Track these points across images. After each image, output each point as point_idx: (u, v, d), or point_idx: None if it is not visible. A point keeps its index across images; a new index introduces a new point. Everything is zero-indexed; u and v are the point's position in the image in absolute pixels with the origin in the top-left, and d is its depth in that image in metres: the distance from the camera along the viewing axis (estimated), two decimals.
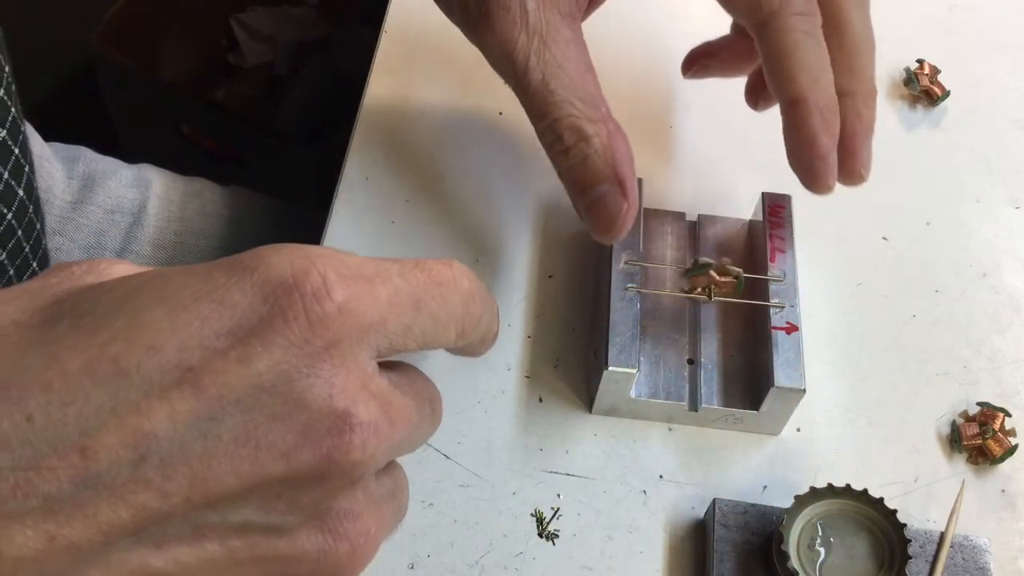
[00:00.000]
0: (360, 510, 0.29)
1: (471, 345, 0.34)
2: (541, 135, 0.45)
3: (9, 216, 0.51)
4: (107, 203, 0.67)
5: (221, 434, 0.26)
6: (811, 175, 0.46)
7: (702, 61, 0.54)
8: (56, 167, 0.66)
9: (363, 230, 0.54)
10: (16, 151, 0.51)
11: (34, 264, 0.54)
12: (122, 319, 0.26)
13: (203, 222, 0.69)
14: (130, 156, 0.73)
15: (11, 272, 0.52)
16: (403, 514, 0.33)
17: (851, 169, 0.47)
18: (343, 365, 0.27)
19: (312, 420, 0.27)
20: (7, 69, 0.50)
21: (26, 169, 0.52)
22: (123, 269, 0.29)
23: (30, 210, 0.53)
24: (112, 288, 0.27)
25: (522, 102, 0.45)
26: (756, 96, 0.53)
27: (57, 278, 0.29)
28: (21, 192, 0.51)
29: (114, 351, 0.26)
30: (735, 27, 0.54)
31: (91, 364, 0.25)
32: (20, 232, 0.52)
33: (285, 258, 0.28)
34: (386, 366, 0.31)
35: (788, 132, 0.46)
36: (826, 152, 0.45)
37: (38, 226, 0.54)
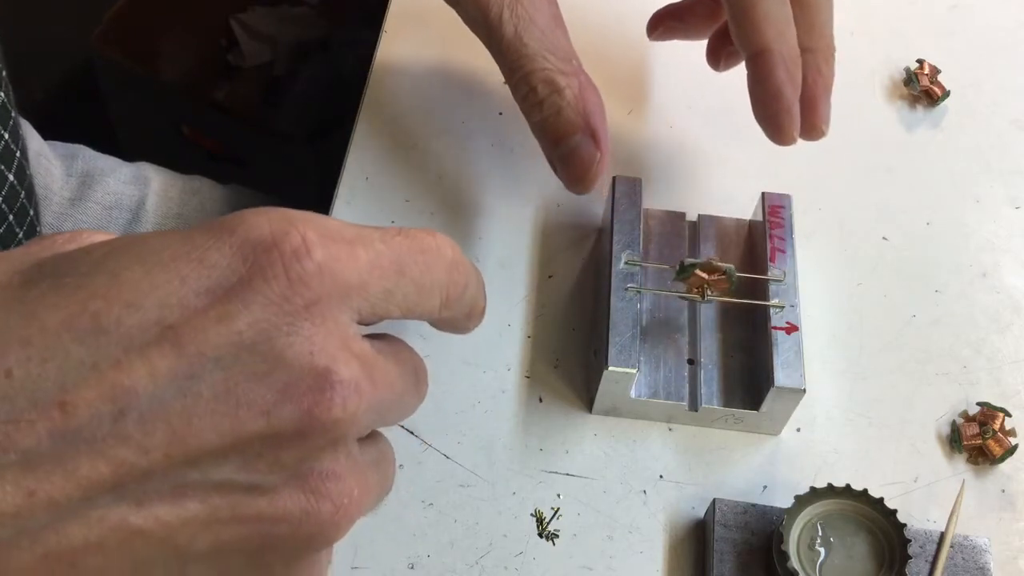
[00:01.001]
0: (343, 471, 0.29)
1: (457, 319, 0.34)
2: (514, 88, 0.46)
3: None
4: (106, 200, 0.67)
5: (201, 391, 0.26)
6: (775, 126, 0.47)
7: (667, 23, 0.55)
8: (54, 164, 0.66)
9: None
10: (6, 136, 0.51)
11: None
12: (102, 278, 0.26)
13: (202, 219, 0.69)
14: (130, 156, 0.73)
15: None
16: (389, 485, 0.33)
17: (812, 123, 0.48)
18: (323, 324, 0.27)
19: (292, 378, 0.27)
20: None
21: (17, 155, 0.52)
22: (104, 237, 0.30)
23: (22, 195, 0.53)
24: (92, 251, 0.28)
25: (495, 56, 0.46)
26: (718, 56, 0.54)
27: (39, 246, 0.29)
28: (12, 177, 0.51)
29: (94, 308, 0.26)
30: None
31: (70, 320, 0.25)
32: (12, 217, 0.52)
33: (264, 218, 0.28)
34: (370, 336, 0.30)
35: (753, 84, 0.47)
36: (790, 104, 0.46)
37: (31, 213, 0.54)
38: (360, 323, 0.29)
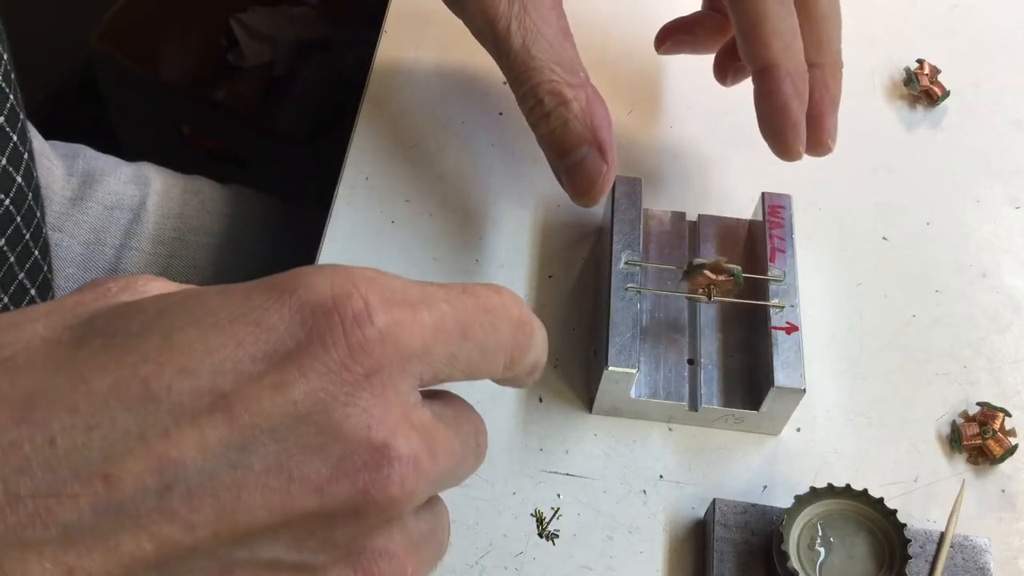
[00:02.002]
0: (397, 549, 0.27)
1: (518, 376, 0.32)
2: (521, 100, 0.46)
3: (7, 202, 0.51)
4: (107, 200, 0.67)
5: (252, 464, 0.25)
6: (782, 141, 0.47)
7: (675, 36, 0.55)
8: (55, 164, 0.66)
9: (363, 230, 0.54)
10: (14, 138, 0.51)
11: (35, 252, 0.54)
12: (155, 339, 0.25)
13: (203, 219, 0.69)
14: (130, 156, 0.73)
15: (12, 259, 0.52)
16: (443, 552, 0.31)
17: (818, 139, 0.48)
18: (383, 394, 0.26)
19: (349, 452, 0.25)
20: (6, 57, 0.50)
21: (25, 157, 0.52)
22: (160, 287, 0.28)
23: (29, 197, 0.53)
24: (146, 307, 0.26)
25: (502, 68, 0.46)
26: (725, 70, 0.54)
27: (92, 294, 0.28)
28: (20, 179, 0.51)
29: (144, 373, 0.24)
30: (707, 2, 0.54)
31: (120, 386, 0.24)
32: (19, 219, 0.52)
33: (326, 279, 0.26)
34: (430, 395, 0.29)
35: (760, 99, 0.47)
36: (796, 119, 0.46)
37: (38, 214, 0.54)
38: (420, 388, 0.28)
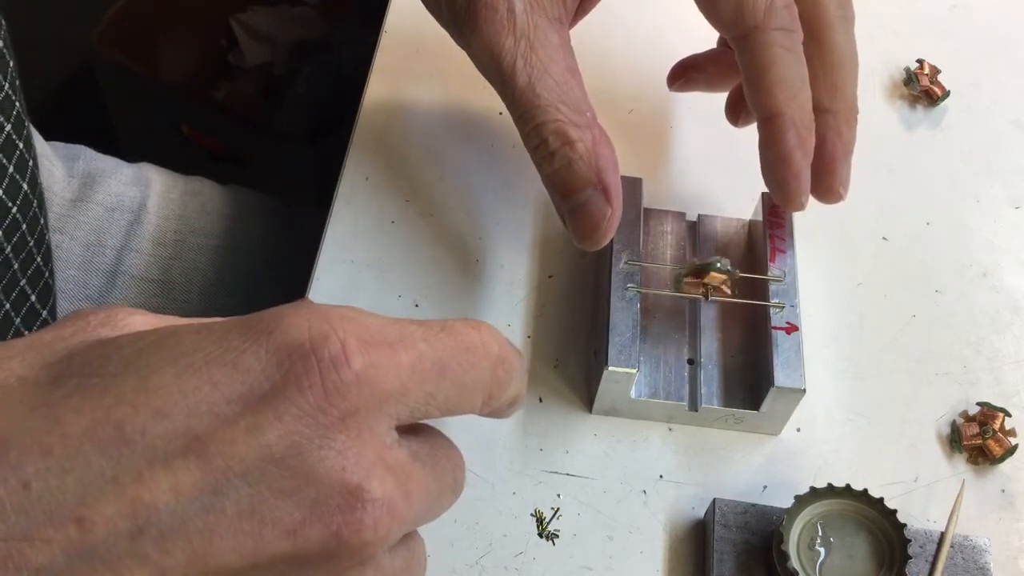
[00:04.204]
0: None
1: (497, 411, 0.33)
2: (526, 139, 0.45)
3: (14, 210, 0.51)
4: (107, 201, 0.67)
5: (225, 508, 0.25)
6: (783, 192, 0.46)
7: (688, 74, 0.55)
8: (56, 165, 0.66)
9: (363, 230, 0.54)
10: (20, 145, 0.51)
11: (38, 259, 0.54)
12: (130, 380, 0.25)
13: (203, 220, 0.69)
14: (130, 156, 0.73)
15: (15, 266, 0.52)
16: None
17: (828, 186, 0.47)
18: (359, 436, 0.26)
19: (322, 495, 0.26)
20: (12, 64, 0.50)
21: (30, 164, 0.52)
22: (140, 321, 0.28)
23: (34, 204, 0.53)
24: (124, 344, 0.26)
25: (507, 105, 0.45)
26: (737, 112, 0.53)
27: (72, 328, 0.28)
28: (25, 186, 0.51)
29: (119, 415, 0.25)
30: (722, 40, 0.54)
31: (94, 428, 0.24)
32: (24, 226, 0.52)
33: (304, 320, 0.26)
34: (408, 430, 0.29)
35: (763, 147, 0.46)
36: (799, 169, 0.45)
37: (41, 221, 0.54)
38: (398, 425, 0.28)
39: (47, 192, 0.64)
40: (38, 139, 0.65)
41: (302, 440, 0.25)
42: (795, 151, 0.45)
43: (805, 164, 0.46)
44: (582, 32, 0.56)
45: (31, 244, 0.53)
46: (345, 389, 0.26)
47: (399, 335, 0.28)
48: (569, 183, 0.44)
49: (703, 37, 0.55)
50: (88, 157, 0.69)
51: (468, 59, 0.47)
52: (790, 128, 0.44)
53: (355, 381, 0.26)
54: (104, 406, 0.25)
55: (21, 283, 0.53)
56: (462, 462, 0.32)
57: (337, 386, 0.26)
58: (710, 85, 0.54)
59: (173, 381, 0.25)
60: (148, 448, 0.24)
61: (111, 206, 0.67)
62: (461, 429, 0.48)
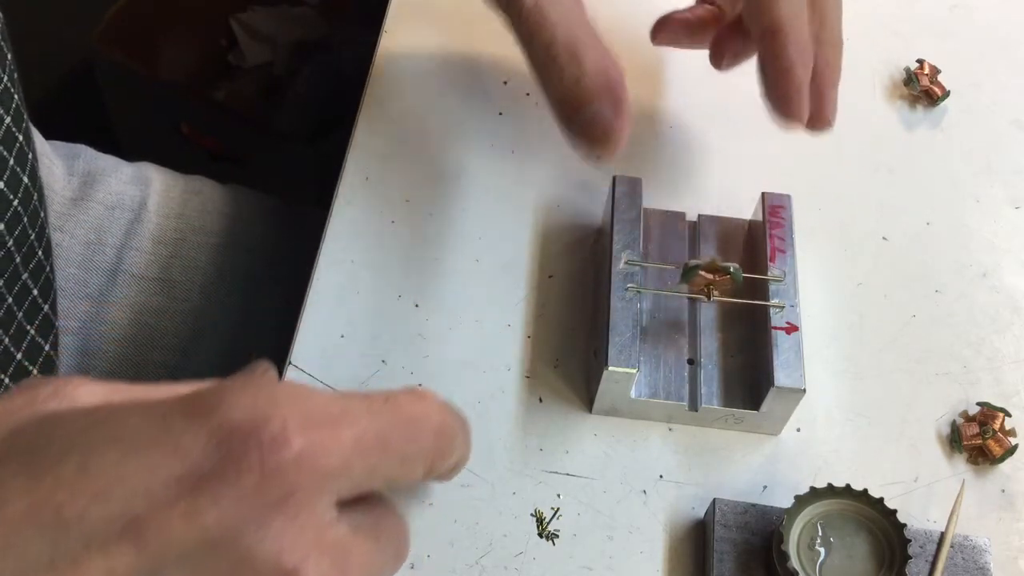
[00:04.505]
0: None
1: (440, 476, 0.33)
2: (533, 58, 0.45)
3: (15, 203, 0.51)
4: (107, 200, 0.67)
5: None
6: (786, 104, 0.47)
7: (670, 27, 0.55)
8: (56, 163, 0.66)
9: (363, 230, 0.54)
10: (20, 138, 0.51)
11: (39, 253, 0.54)
12: (72, 462, 0.25)
13: (204, 218, 0.69)
14: (130, 155, 0.73)
15: (17, 260, 0.52)
16: None
17: (820, 112, 0.48)
18: (296, 518, 0.26)
19: None
20: (10, 57, 0.50)
21: (30, 157, 0.52)
22: (88, 394, 0.28)
23: (34, 198, 0.53)
24: (68, 423, 0.26)
25: (515, 27, 0.45)
26: (721, 54, 0.53)
27: (22, 400, 0.28)
28: (26, 179, 0.51)
29: (59, 499, 0.24)
30: None
31: (34, 511, 0.24)
32: (26, 219, 0.52)
33: (246, 399, 0.26)
34: (352, 501, 0.29)
35: (764, 63, 0.47)
36: (800, 83, 0.46)
37: (42, 215, 0.54)
38: (341, 500, 0.28)
39: (47, 190, 0.64)
40: (38, 137, 0.65)
41: (239, 523, 0.25)
42: (797, 64, 0.46)
43: (805, 79, 0.47)
44: None
45: (32, 238, 0.53)
46: (284, 471, 0.26)
47: (343, 411, 0.28)
48: (578, 97, 0.44)
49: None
50: (88, 156, 0.69)
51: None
52: (792, 42, 0.45)
53: (295, 462, 0.26)
54: (46, 488, 0.25)
55: (23, 277, 0.53)
56: (406, 530, 0.32)
57: (277, 468, 0.26)
58: (692, 39, 0.55)
59: (114, 464, 0.25)
60: (86, 532, 0.24)
61: (111, 204, 0.67)
62: None
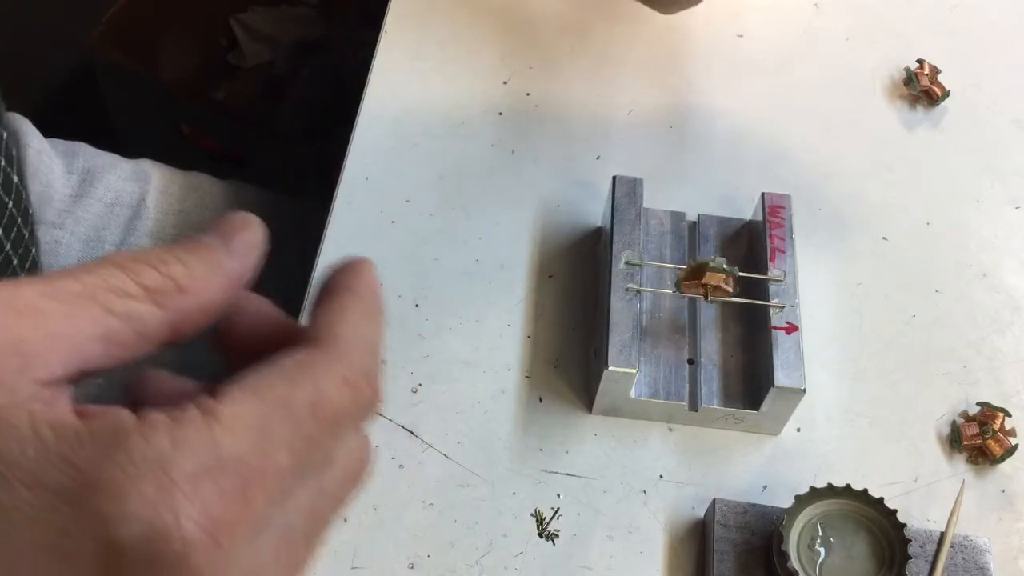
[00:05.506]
0: None
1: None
2: None
3: (10, 205, 0.51)
4: (106, 197, 0.67)
5: None
6: None
7: None
8: (55, 162, 0.66)
9: (363, 230, 0.54)
10: (4, 135, 0.51)
11: (33, 251, 0.54)
12: None
13: (202, 215, 0.69)
14: (129, 156, 0.73)
15: (15, 262, 0.52)
16: None
17: None
18: None
19: None
20: None
21: (14, 153, 0.52)
22: None
23: (24, 196, 0.53)
24: None
25: None
26: None
27: None
28: (16, 178, 0.51)
29: None
30: None
31: None
32: (20, 220, 0.52)
33: (141, 503, 0.22)
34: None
35: None
36: None
37: (32, 212, 0.54)
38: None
39: (47, 188, 0.64)
40: (36, 136, 0.65)
41: None
42: None
43: None
44: (584, 34, 0.56)
45: (27, 239, 0.53)
46: None
47: (258, 458, 0.24)
48: None
49: (703, 37, 0.55)
50: (87, 154, 0.69)
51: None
52: None
53: (208, 572, 0.23)
54: None
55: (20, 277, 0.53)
56: (354, 464, 0.28)
57: None
58: None
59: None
60: None
61: (110, 202, 0.67)
62: (462, 430, 0.48)
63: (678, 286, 0.49)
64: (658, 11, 0.48)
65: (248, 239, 0.28)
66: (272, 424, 0.25)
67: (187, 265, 0.27)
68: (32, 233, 0.54)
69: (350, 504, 0.28)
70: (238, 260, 0.28)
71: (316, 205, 0.58)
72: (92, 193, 0.67)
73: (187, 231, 0.68)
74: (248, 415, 0.24)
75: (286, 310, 0.50)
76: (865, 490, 0.43)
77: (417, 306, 0.52)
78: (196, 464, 0.23)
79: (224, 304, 0.28)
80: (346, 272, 0.29)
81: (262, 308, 0.29)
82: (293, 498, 0.27)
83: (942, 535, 0.45)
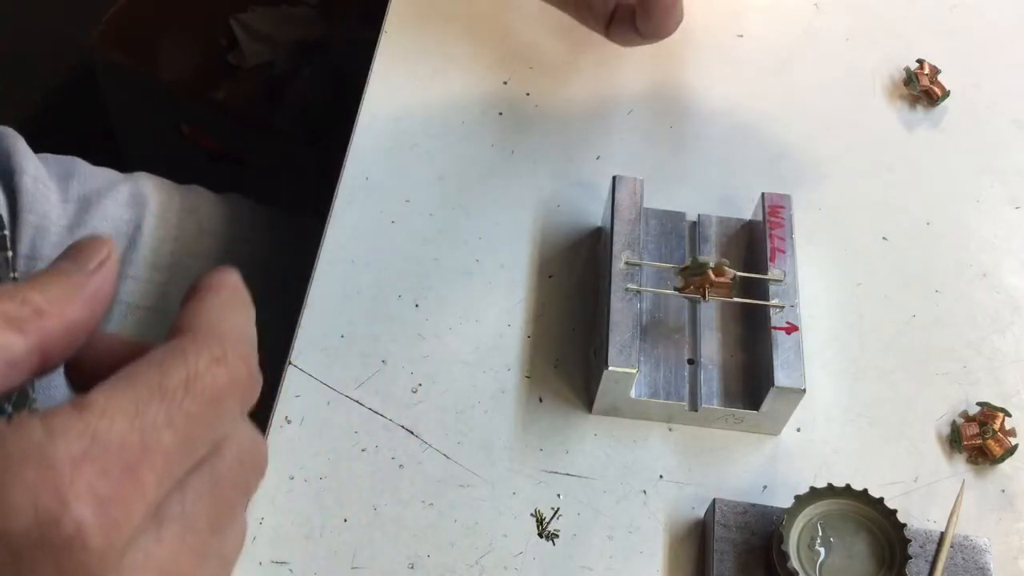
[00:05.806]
0: None
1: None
2: None
3: (5, 231, 0.51)
4: (103, 226, 0.66)
5: None
6: (660, 11, 0.50)
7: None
8: (51, 189, 0.65)
9: (363, 230, 0.54)
10: None
11: (13, 276, 0.54)
12: None
13: (200, 241, 0.69)
14: (129, 156, 0.73)
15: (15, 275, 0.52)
16: None
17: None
18: None
19: None
20: None
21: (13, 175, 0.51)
22: None
23: (13, 205, 0.53)
24: None
25: None
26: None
27: None
28: (2, 196, 0.51)
29: None
30: None
31: None
32: (8, 242, 0.52)
33: (26, 494, 0.23)
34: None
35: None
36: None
37: (6, 235, 0.54)
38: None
39: (44, 220, 0.64)
40: (32, 161, 0.64)
41: None
42: None
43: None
44: (584, 34, 0.56)
45: (10, 258, 0.53)
46: (88, 569, 0.23)
47: (140, 440, 0.25)
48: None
49: (703, 37, 0.55)
50: (82, 175, 0.67)
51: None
52: None
53: (98, 558, 0.23)
54: None
55: None
56: (252, 457, 0.29)
57: (78, 570, 0.23)
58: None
59: None
60: None
61: (106, 232, 0.66)
62: (462, 430, 0.48)
63: (679, 286, 0.49)
64: (617, 44, 0.52)
65: (98, 256, 0.29)
66: (147, 405, 0.25)
67: (42, 289, 0.27)
68: (16, 257, 0.54)
69: (252, 493, 0.29)
70: (92, 277, 0.28)
71: (315, 220, 0.58)
72: (88, 222, 0.66)
73: (182, 259, 0.68)
74: (121, 399, 0.25)
75: (284, 325, 0.50)
76: (865, 490, 0.43)
77: (417, 306, 0.52)
78: (75, 449, 0.23)
79: (90, 321, 0.28)
80: (206, 277, 0.29)
81: (108, 339, 0.29)
82: (189, 486, 0.27)
83: (942, 535, 0.45)
